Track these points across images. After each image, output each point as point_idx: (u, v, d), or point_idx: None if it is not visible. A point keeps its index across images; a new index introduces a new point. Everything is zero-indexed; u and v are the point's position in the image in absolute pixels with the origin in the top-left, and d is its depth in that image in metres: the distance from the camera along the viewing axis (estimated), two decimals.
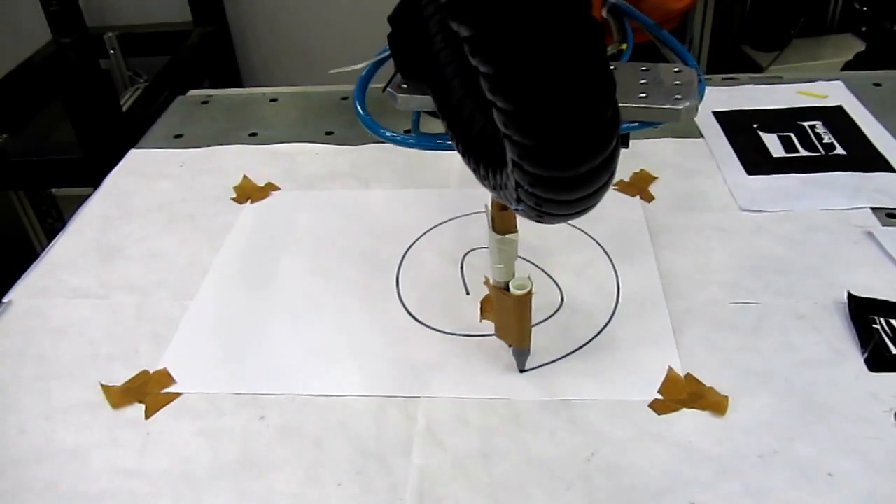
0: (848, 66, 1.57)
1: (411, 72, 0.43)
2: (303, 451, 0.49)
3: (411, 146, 0.45)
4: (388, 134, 0.45)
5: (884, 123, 0.78)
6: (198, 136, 0.87)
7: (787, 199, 0.68)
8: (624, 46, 0.51)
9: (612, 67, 0.44)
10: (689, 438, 0.47)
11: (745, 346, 0.54)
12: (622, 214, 0.68)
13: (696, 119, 0.82)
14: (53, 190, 1.51)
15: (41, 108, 1.51)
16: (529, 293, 0.48)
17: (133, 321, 0.60)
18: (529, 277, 0.48)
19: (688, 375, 0.51)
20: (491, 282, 0.49)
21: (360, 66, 0.47)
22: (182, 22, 1.80)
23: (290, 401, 0.52)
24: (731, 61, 1.74)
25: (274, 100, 0.96)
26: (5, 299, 0.63)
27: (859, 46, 1.65)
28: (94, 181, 0.80)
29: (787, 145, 0.76)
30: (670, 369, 0.52)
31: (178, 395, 0.53)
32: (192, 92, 0.99)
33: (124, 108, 1.47)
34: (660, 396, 0.50)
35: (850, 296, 0.56)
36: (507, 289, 0.48)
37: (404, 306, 0.60)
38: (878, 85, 0.87)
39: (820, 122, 0.79)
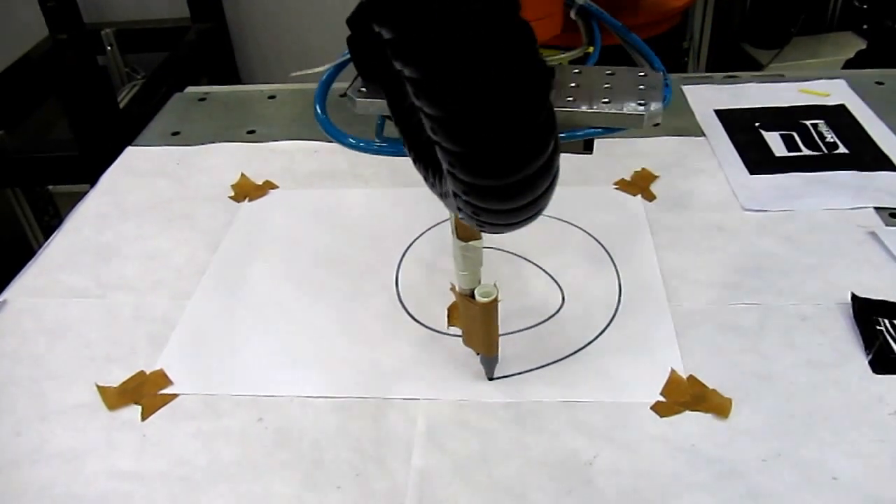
0: (849, 64, 1.57)
1: (370, 75, 0.42)
2: (301, 454, 0.48)
3: (374, 152, 0.43)
4: (349, 140, 0.43)
5: (887, 122, 0.78)
6: (195, 133, 0.86)
7: (790, 198, 0.68)
8: (591, 50, 0.49)
9: (577, 71, 0.43)
10: (692, 441, 0.47)
11: (749, 347, 0.53)
12: (623, 214, 0.67)
13: (697, 117, 0.82)
14: (50, 187, 1.50)
15: (38, 104, 1.51)
16: (495, 300, 0.47)
17: (130, 321, 0.59)
18: (496, 284, 0.47)
19: (690, 377, 0.51)
20: (457, 289, 0.48)
21: (321, 68, 0.47)
22: (180, 18, 1.79)
23: (288, 402, 0.52)
24: (730, 59, 1.74)
25: (272, 97, 0.95)
26: (0, 298, 0.62)
27: (859, 44, 1.65)
28: (91, 178, 0.79)
29: (790, 144, 0.76)
30: (673, 371, 0.51)
31: (175, 396, 0.53)
32: (190, 89, 0.99)
33: (121, 105, 1.46)
34: (662, 399, 0.50)
35: (853, 297, 0.55)
36: (473, 296, 0.47)
37: (404, 307, 0.59)
38: (880, 83, 0.86)
39: (822, 121, 0.79)
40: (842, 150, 0.74)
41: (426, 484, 0.45)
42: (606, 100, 0.41)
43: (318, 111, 0.45)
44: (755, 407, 0.49)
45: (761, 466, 0.45)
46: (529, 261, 0.63)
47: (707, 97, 0.85)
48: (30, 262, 0.67)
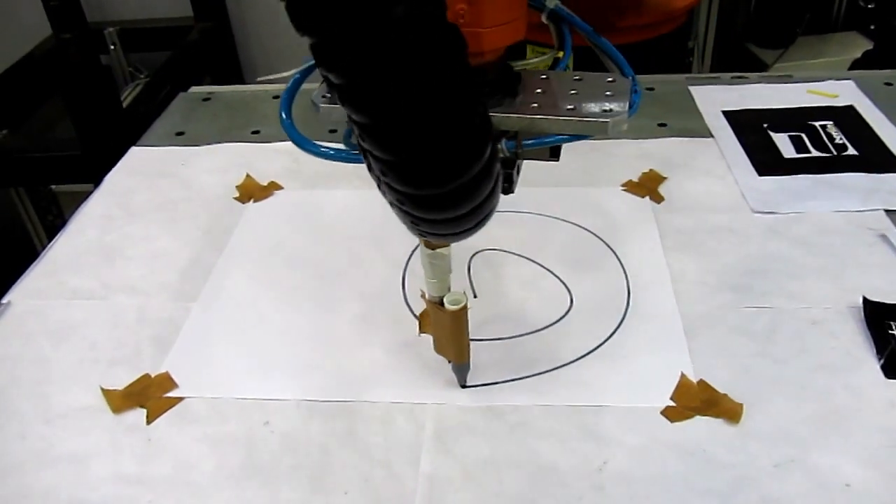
0: (856, 65, 1.56)
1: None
2: (308, 458, 0.48)
3: (342, 160, 0.43)
4: (313, 147, 0.43)
5: None
6: (199, 133, 0.86)
7: (800, 200, 0.67)
8: (561, 54, 0.48)
9: (544, 77, 0.43)
10: (703, 447, 0.46)
11: (759, 351, 0.53)
12: (632, 216, 0.67)
13: (705, 118, 0.81)
14: (53, 186, 1.50)
15: (41, 103, 1.50)
16: (464, 308, 0.46)
17: (134, 324, 0.59)
18: (465, 292, 0.47)
19: (701, 382, 0.50)
20: (426, 296, 0.48)
21: (288, 73, 0.47)
22: (183, 17, 1.79)
23: (295, 406, 0.51)
24: (735, 59, 1.73)
25: (277, 97, 0.95)
26: (4, 300, 0.62)
27: (865, 44, 1.64)
28: (95, 178, 0.79)
29: (799, 146, 0.75)
30: (683, 375, 0.51)
31: (180, 399, 0.52)
32: (194, 89, 0.98)
33: (125, 104, 1.46)
34: (673, 403, 0.49)
35: (865, 301, 0.55)
36: (443, 303, 0.47)
37: (410, 309, 0.59)
38: (889, 84, 0.86)
39: (831, 122, 0.78)
40: (851, 151, 0.74)
41: (435, 490, 0.45)
42: (571, 106, 0.40)
43: (283, 116, 0.44)
44: (767, 412, 0.48)
45: (773, 472, 0.45)
46: (537, 263, 0.62)
47: (714, 98, 0.85)
48: (33, 264, 0.66)
